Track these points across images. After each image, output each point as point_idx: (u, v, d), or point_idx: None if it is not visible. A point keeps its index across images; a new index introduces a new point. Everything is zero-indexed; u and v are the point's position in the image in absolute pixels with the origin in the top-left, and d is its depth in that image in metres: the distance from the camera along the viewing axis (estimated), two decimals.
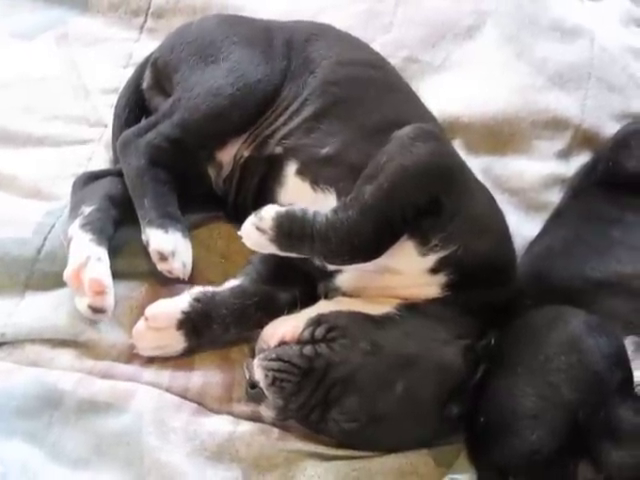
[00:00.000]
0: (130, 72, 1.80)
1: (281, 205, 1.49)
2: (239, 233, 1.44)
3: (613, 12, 2.03)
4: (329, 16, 1.93)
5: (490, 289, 1.46)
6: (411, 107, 1.66)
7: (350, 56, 1.69)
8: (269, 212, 1.42)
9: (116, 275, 1.53)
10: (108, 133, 1.76)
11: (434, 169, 1.43)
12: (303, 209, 1.42)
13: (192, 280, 1.57)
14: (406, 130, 1.48)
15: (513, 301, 1.51)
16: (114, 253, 1.56)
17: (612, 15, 2.02)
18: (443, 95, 1.84)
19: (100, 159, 1.75)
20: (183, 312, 1.50)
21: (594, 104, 1.86)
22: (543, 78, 1.86)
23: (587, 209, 1.67)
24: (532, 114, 1.83)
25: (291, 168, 1.57)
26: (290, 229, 1.40)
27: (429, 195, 1.41)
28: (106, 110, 1.80)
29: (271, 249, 1.43)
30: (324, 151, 1.55)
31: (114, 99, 1.78)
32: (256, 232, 1.42)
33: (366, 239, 1.40)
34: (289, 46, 1.68)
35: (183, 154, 1.59)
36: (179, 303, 1.51)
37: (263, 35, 1.69)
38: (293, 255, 1.43)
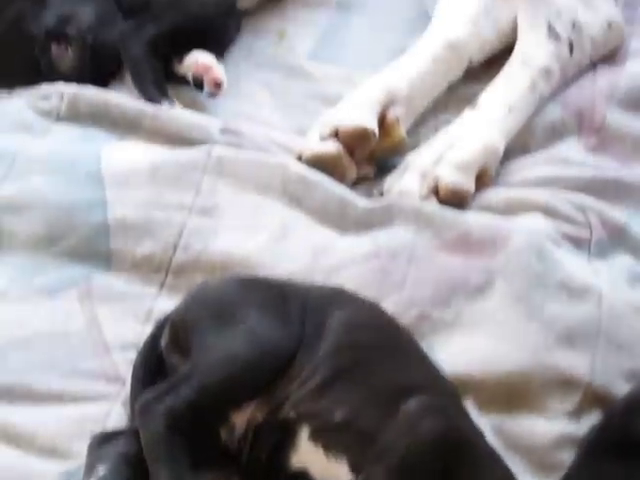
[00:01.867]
0: (149, 328, 1.84)
1: (294, 469, 1.53)
2: None
3: (619, 271, 2.06)
4: (344, 274, 1.98)
5: None
6: (422, 371, 1.69)
7: (361, 320, 1.74)
8: None
9: None
10: (126, 389, 1.78)
11: (442, 448, 1.46)
12: None
13: None
14: (412, 405, 1.53)
15: None
16: None
17: (618, 274, 2.05)
18: (455, 353, 1.86)
19: (117, 416, 1.76)
20: None
21: (603, 363, 1.86)
22: (552, 337, 1.88)
23: (598, 472, 1.65)
24: (542, 373, 1.83)
25: (304, 433, 1.58)
26: None
27: (439, 472, 1.44)
28: (124, 366, 1.82)
29: None
30: (335, 417, 1.57)
31: (133, 355, 1.81)
32: None
33: None
34: (304, 311, 1.73)
35: (201, 418, 1.61)
36: None
37: (279, 300, 1.75)
38: None
